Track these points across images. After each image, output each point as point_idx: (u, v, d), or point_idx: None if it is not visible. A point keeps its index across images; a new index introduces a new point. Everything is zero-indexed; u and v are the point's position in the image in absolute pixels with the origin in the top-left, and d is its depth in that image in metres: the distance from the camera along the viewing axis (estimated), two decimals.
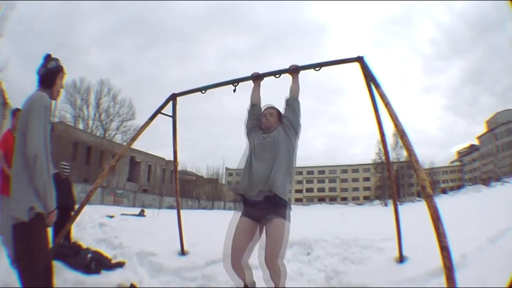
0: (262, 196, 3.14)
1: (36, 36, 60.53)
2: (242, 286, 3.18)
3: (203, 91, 4.57)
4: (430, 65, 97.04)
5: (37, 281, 2.34)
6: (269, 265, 2.99)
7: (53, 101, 2.77)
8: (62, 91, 2.89)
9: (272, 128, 3.41)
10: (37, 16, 67.08)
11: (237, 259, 3.14)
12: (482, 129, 71.50)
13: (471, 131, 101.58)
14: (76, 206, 4.70)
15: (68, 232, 5.09)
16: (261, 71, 3.99)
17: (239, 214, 3.31)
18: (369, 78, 3.79)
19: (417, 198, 51.46)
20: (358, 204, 64.17)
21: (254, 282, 3.26)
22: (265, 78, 3.97)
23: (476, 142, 73.06)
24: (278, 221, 3.07)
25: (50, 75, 2.70)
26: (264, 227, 3.15)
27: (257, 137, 3.44)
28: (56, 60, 2.77)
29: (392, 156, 54.65)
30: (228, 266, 3.17)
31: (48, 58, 2.76)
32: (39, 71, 2.70)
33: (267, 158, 3.23)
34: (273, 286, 3.00)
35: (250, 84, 3.94)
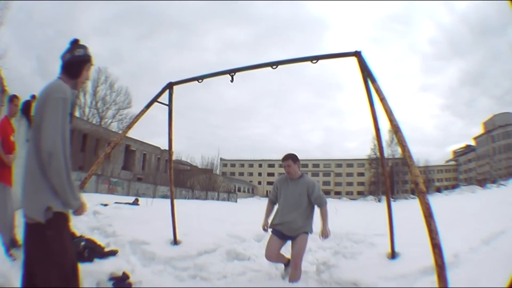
0: None
1: (36, 24, 59.71)
2: None
3: (200, 80, 4.57)
4: (429, 64, 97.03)
5: (63, 284, 2.06)
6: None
7: (75, 91, 2.46)
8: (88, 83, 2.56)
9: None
10: (37, 4, 66.19)
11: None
12: (479, 130, 71.87)
13: (467, 132, 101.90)
14: None
15: None
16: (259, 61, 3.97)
17: None
18: (366, 73, 3.77)
19: (411, 196, 51.90)
20: (351, 199, 64.65)
21: None
22: (262, 70, 3.96)
23: (472, 143, 73.37)
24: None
25: (76, 64, 2.36)
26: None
27: None
28: (84, 47, 2.42)
29: (387, 152, 54.97)
30: None
31: (75, 43, 2.41)
32: (63, 57, 2.36)
33: None
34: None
35: (248, 74, 3.93)
